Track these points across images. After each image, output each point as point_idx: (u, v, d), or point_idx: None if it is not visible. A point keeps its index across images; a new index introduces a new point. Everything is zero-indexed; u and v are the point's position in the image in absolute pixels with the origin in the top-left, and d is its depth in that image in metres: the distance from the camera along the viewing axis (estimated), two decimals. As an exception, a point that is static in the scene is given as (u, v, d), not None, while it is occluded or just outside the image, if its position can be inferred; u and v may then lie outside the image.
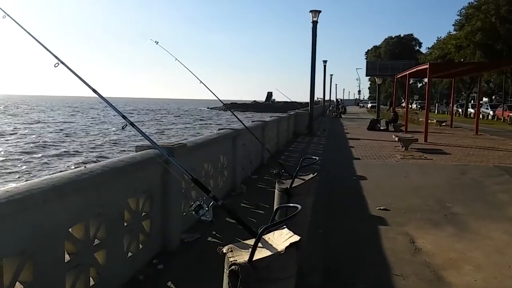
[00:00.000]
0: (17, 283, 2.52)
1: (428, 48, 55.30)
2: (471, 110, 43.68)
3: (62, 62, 3.30)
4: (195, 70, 4.83)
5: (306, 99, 21.67)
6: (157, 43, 4.56)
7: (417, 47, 75.55)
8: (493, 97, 57.96)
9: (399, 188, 8.26)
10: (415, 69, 20.98)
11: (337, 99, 66.92)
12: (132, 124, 3.57)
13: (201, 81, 4.88)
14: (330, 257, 4.62)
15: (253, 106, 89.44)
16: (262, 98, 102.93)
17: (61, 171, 3.57)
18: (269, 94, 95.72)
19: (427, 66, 18.34)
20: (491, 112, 40.41)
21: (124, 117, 3.56)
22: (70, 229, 3.03)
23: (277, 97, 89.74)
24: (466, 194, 7.74)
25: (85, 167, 3.43)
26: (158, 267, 4.18)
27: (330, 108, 48.60)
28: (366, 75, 57.01)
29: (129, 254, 3.90)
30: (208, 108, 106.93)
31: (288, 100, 18.02)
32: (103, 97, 3.63)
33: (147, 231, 4.25)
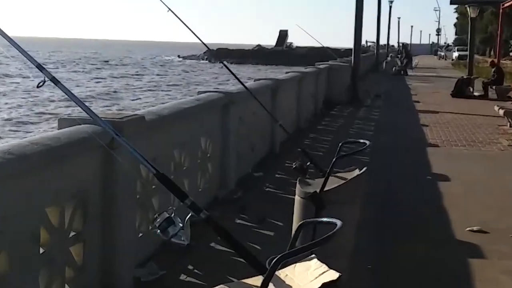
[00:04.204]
0: None
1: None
2: None
3: None
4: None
5: (347, 43, 16.69)
6: None
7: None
8: None
9: (505, 196, 6.20)
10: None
11: (402, 44, 45.09)
12: (54, 80, 2.48)
13: (169, 9, 3.37)
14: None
15: (257, 55, 61.17)
16: (270, 42, 69.45)
17: None
18: (283, 34, 63.12)
19: None
20: None
21: (40, 67, 2.48)
22: None
23: (297, 39, 63.28)
24: None
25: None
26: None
27: (389, 59, 33.33)
28: (451, 3, 33.19)
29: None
30: (179, 57, 73.35)
31: (317, 45, 14.43)
32: (8, 36, 2.44)
33: (78, 264, 2.86)
